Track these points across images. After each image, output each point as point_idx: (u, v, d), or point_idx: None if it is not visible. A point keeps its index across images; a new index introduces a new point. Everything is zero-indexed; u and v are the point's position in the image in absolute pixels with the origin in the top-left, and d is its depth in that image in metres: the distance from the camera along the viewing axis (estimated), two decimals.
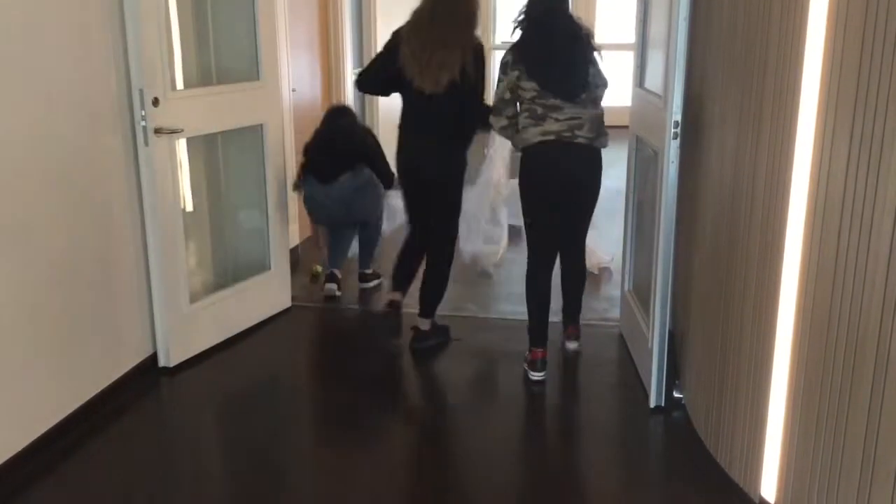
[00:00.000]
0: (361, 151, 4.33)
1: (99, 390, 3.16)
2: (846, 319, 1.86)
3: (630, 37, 3.88)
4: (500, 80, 3.38)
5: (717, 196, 2.77)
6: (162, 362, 3.51)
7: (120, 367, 3.31)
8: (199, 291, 3.73)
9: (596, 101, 3.36)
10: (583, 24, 3.39)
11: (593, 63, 3.35)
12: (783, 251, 2.23)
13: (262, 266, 4.06)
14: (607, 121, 3.40)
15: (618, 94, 3.78)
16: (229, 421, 3.31)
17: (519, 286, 3.66)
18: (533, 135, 3.29)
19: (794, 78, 2.07)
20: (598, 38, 3.45)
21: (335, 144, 4.32)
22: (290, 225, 4.59)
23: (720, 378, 2.73)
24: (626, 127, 3.73)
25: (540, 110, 3.28)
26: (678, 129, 2.92)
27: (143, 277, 3.42)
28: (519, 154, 3.48)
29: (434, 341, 3.83)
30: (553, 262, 3.56)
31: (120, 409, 3.19)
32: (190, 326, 3.59)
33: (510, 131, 3.41)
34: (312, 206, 4.43)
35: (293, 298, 4.24)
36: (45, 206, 2.85)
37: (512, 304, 4.26)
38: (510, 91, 3.33)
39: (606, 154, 3.41)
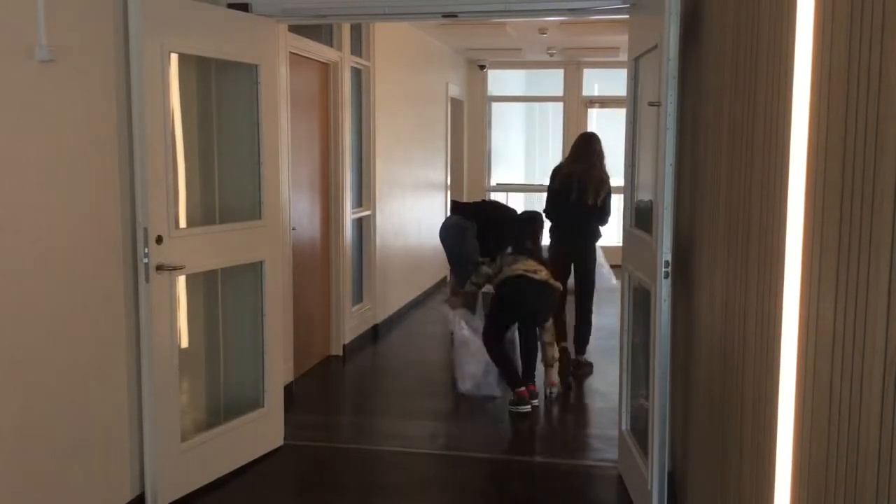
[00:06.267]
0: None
1: None
2: (843, 467, 1.84)
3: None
4: None
5: (709, 337, 2.78)
6: None
7: None
8: (190, 430, 3.67)
9: None
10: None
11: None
12: (777, 398, 2.23)
13: (255, 403, 4.02)
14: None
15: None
16: None
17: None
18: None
19: (778, 231, 2.13)
20: None
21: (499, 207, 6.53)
22: (286, 362, 4.58)
23: None
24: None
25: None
26: (669, 269, 2.98)
27: (136, 415, 3.38)
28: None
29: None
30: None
31: None
32: (180, 467, 3.51)
33: None
34: None
35: (285, 437, 4.17)
36: (42, 342, 2.86)
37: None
38: None
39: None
